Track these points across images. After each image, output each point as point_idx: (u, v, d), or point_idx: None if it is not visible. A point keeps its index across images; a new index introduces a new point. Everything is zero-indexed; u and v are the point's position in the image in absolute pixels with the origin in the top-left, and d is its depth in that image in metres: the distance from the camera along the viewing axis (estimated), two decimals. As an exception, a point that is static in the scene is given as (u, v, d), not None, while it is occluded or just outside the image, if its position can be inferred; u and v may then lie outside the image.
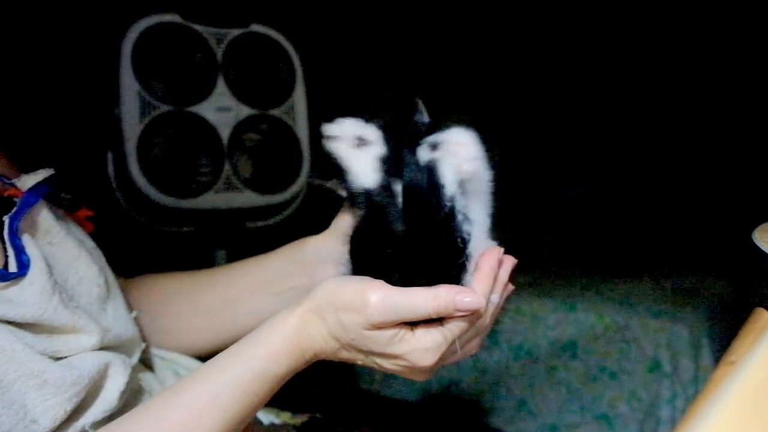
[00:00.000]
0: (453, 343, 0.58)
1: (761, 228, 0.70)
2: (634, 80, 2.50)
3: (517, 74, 2.51)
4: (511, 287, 0.64)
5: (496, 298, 0.60)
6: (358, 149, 0.57)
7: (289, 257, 0.78)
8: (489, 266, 0.59)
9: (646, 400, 1.63)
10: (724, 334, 1.66)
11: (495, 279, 0.60)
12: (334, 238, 0.72)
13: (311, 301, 0.58)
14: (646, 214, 2.52)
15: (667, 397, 1.61)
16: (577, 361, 1.73)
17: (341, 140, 0.57)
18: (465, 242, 0.58)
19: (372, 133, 0.57)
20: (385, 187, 0.57)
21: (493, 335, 1.83)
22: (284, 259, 0.78)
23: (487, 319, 0.61)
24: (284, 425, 0.91)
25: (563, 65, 2.53)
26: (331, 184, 0.63)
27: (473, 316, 0.57)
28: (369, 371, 1.98)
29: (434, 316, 0.55)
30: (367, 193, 0.58)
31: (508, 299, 0.64)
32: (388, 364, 0.58)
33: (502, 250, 0.61)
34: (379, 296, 0.55)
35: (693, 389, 1.59)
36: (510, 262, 0.62)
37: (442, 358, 0.58)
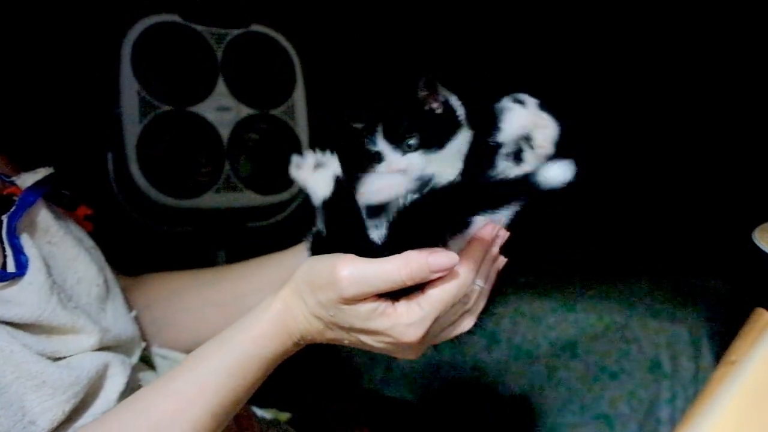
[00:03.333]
0: (438, 318, 0.56)
1: (761, 228, 0.70)
2: (634, 80, 2.50)
3: (517, 75, 2.51)
4: (503, 260, 0.63)
5: (480, 282, 0.59)
6: (315, 171, 0.64)
7: (300, 254, 0.78)
8: (479, 241, 0.58)
9: (646, 400, 1.63)
10: (724, 334, 1.66)
11: (485, 254, 0.59)
12: None
13: (293, 283, 0.58)
14: (646, 215, 2.51)
15: (667, 397, 1.61)
16: (577, 361, 1.73)
17: (301, 167, 0.65)
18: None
19: (328, 158, 0.64)
20: (344, 198, 0.60)
21: (493, 335, 1.83)
22: (296, 255, 0.79)
23: (476, 297, 0.60)
24: (277, 421, 0.91)
25: (563, 65, 2.53)
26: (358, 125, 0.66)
27: (453, 283, 0.56)
28: (369, 369, 1.98)
29: (410, 283, 0.54)
30: (326, 203, 0.61)
31: (498, 279, 0.63)
32: (372, 341, 0.58)
33: (497, 227, 0.59)
34: (349, 269, 0.54)
35: (693, 389, 1.59)
36: (501, 235, 0.61)
37: (428, 334, 0.57)
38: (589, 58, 2.51)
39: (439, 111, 0.65)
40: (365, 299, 0.55)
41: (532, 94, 0.65)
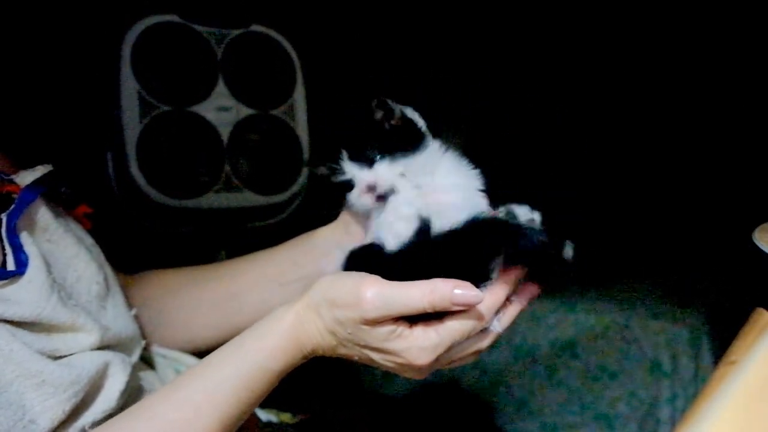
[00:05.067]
0: (450, 347, 0.57)
1: (761, 228, 0.70)
2: (634, 80, 2.50)
3: (517, 74, 2.51)
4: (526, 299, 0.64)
5: (497, 325, 0.61)
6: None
7: (297, 247, 0.78)
8: (504, 281, 0.59)
9: (646, 400, 1.63)
10: (724, 334, 1.66)
11: (507, 298, 0.60)
12: (343, 228, 0.73)
13: (308, 297, 0.58)
14: (646, 214, 2.51)
15: (667, 397, 1.60)
16: (577, 361, 1.73)
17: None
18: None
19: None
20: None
21: (493, 335, 1.83)
22: (292, 249, 0.79)
23: (489, 338, 0.61)
24: (281, 424, 0.91)
25: (562, 65, 2.53)
26: (322, 170, 0.67)
27: (473, 316, 0.57)
28: (370, 370, 1.98)
29: (430, 310, 0.54)
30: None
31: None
32: (383, 360, 0.58)
33: (525, 270, 0.61)
34: (374, 291, 0.54)
35: (693, 389, 1.58)
36: (534, 292, 0.63)
37: (438, 360, 0.58)
38: (589, 59, 2.51)
39: (398, 125, 0.66)
40: (385, 321, 0.55)
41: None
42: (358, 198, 0.66)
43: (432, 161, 0.65)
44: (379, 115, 0.65)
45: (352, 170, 0.65)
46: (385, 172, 0.63)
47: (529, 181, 2.37)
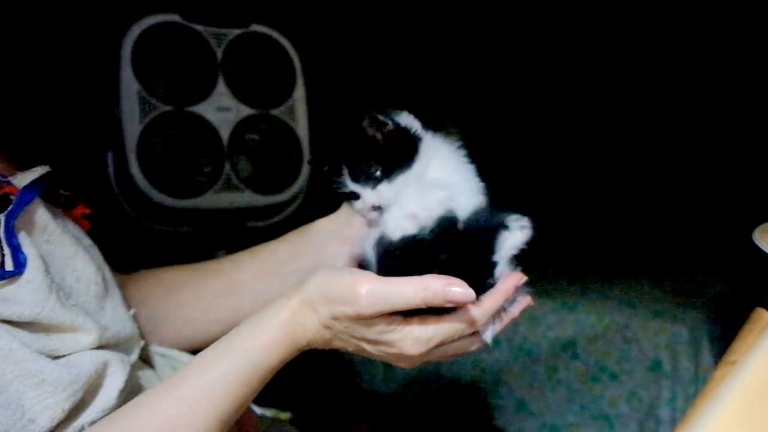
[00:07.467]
0: (443, 343, 0.58)
1: (761, 228, 0.70)
2: (635, 80, 2.50)
3: (518, 72, 2.51)
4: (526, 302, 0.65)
5: (488, 335, 0.62)
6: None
7: (296, 239, 0.79)
8: (504, 288, 0.61)
9: (646, 400, 1.63)
10: (724, 334, 1.66)
11: (501, 307, 0.61)
12: (341, 218, 0.74)
13: (303, 293, 0.59)
14: (646, 214, 2.51)
15: (667, 397, 1.60)
16: (577, 361, 1.73)
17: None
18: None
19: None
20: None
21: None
22: (291, 241, 0.79)
23: (478, 344, 0.62)
24: (278, 420, 0.91)
25: (564, 65, 2.53)
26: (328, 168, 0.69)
27: (467, 318, 0.58)
28: (369, 370, 1.98)
29: (424, 306, 0.55)
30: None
31: None
32: (377, 351, 0.59)
33: (525, 278, 0.62)
34: (369, 288, 0.55)
35: (693, 389, 1.58)
36: (527, 303, 0.64)
37: (429, 353, 0.59)
38: (591, 59, 2.51)
39: (392, 137, 0.66)
40: (380, 316, 0.56)
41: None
42: (365, 210, 0.68)
43: (427, 161, 0.67)
44: (371, 131, 0.66)
45: (357, 189, 0.67)
46: (387, 192, 0.65)
47: (526, 182, 2.37)
